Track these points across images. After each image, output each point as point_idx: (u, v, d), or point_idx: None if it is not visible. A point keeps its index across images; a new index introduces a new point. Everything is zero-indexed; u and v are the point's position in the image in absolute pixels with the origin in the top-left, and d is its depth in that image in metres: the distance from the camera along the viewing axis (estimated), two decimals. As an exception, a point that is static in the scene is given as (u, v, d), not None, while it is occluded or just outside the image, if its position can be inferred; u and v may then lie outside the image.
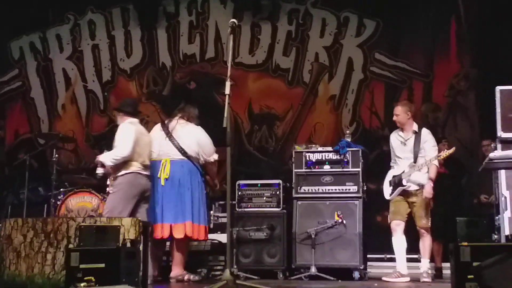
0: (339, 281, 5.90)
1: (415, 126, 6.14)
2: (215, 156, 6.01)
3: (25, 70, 9.64)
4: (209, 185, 6.18)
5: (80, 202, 6.97)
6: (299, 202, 6.38)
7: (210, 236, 6.49)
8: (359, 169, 6.34)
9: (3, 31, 9.60)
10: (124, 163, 5.63)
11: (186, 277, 5.81)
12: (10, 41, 9.69)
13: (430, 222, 5.98)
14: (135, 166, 5.64)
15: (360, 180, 6.31)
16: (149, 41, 9.31)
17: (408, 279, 5.91)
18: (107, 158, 5.75)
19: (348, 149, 6.40)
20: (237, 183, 6.59)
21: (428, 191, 5.91)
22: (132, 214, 5.48)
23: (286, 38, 8.87)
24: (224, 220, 6.83)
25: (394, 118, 6.20)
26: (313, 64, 8.74)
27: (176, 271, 5.84)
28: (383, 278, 5.97)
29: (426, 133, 6.12)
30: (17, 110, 9.61)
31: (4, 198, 8.13)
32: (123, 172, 5.63)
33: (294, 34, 8.85)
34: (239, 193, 6.54)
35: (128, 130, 5.75)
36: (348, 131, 6.82)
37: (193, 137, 5.94)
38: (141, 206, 5.66)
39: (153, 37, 9.31)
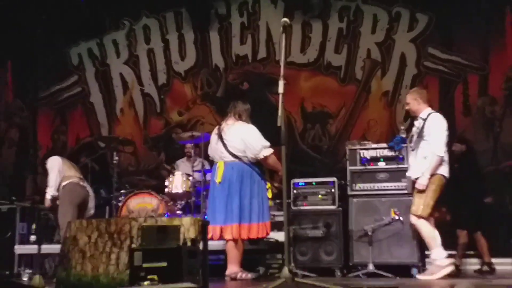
0: (398, 278, 5.88)
1: (424, 113, 5.95)
2: (266, 152, 6.00)
3: (84, 76, 9.95)
4: (274, 182, 6.21)
5: (141, 203, 7.16)
6: (355, 200, 6.39)
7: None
8: (415, 165, 6.28)
9: (62, 39, 9.92)
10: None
11: (239, 275, 5.90)
12: (69, 48, 10.00)
13: (422, 211, 5.74)
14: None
15: (416, 176, 6.26)
16: (202, 44, 9.48)
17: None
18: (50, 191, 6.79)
19: (403, 145, 6.37)
20: (292, 181, 6.65)
21: (419, 183, 5.74)
22: None
23: (337, 36, 8.88)
24: (280, 218, 6.90)
25: (406, 107, 6.13)
26: (365, 60, 8.72)
27: (231, 269, 5.94)
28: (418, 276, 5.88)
29: (431, 120, 5.84)
30: (78, 115, 9.93)
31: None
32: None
33: (345, 31, 8.84)
34: (294, 191, 6.59)
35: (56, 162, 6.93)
36: (402, 127, 6.77)
37: (238, 137, 5.99)
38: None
39: (206, 39, 9.46)
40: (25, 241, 7.47)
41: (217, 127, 6.28)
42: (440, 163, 5.78)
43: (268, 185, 6.16)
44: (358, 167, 6.45)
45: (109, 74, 9.85)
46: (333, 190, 6.51)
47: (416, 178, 5.83)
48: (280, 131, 4.44)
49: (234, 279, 5.86)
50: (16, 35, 9.69)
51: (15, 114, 10.08)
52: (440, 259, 5.74)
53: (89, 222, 4.96)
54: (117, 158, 7.69)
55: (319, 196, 6.53)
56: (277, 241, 6.70)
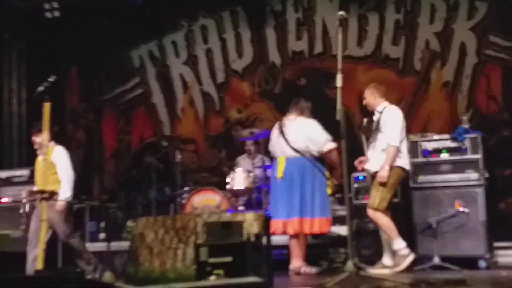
0: (464, 270, 5.80)
1: (380, 107, 5.94)
2: (329, 145, 6.05)
3: (146, 77, 10.19)
4: (334, 179, 6.24)
5: (204, 200, 7.31)
6: (417, 192, 6.34)
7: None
8: (479, 156, 6.19)
9: (123, 42, 10.20)
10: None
11: (303, 270, 5.94)
12: (130, 50, 10.26)
13: (379, 204, 5.75)
14: None
15: (481, 166, 6.16)
16: (258, 41, 9.55)
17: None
18: (67, 192, 6.39)
19: (466, 135, 6.27)
20: (353, 175, 6.64)
21: (379, 176, 5.73)
22: None
23: (394, 27, 8.78)
24: (342, 213, 6.91)
25: (364, 102, 6.13)
26: (424, 51, 8.59)
27: (295, 263, 5.99)
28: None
29: (386, 112, 5.90)
30: (141, 116, 10.18)
31: (134, 199, 8.68)
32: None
33: (402, 22, 8.73)
34: (355, 185, 6.59)
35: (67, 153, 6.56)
36: (465, 117, 6.67)
37: (300, 132, 6.04)
38: None
39: (262, 36, 9.53)
40: (94, 239, 7.75)
41: (278, 122, 6.35)
42: (397, 155, 5.74)
43: (329, 182, 6.19)
44: (420, 160, 6.39)
45: (170, 75, 10.05)
46: (395, 184, 6.44)
47: (376, 172, 5.81)
48: (339, 125, 4.47)
49: (298, 273, 5.91)
50: (79, 40, 10.02)
51: (81, 116, 10.43)
52: (402, 249, 5.72)
53: (155, 218, 5.11)
54: (179, 156, 7.86)
55: (381, 189, 6.48)
56: (339, 235, 6.72)
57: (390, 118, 5.88)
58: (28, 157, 9.72)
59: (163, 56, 10.09)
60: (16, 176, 8.06)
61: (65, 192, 6.33)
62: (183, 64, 9.99)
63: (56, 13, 9.51)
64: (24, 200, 6.63)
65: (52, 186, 6.19)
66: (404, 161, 5.86)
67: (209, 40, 9.84)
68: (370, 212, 5.85)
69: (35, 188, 6.25)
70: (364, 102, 6.18)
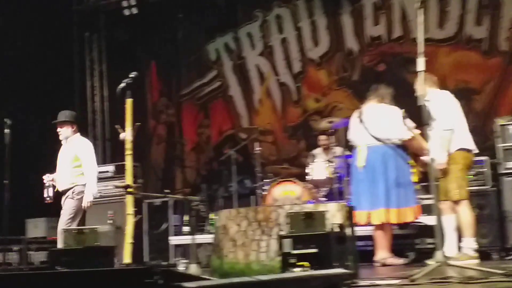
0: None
1: (430, 95, 5.52)
2: (410, 133, 5.87)
3: (223, 70, 10.25)
4: (418, 165, 6.05)
5: (284, 191, 7.26)
6: (508, 179, 6.05)
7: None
8: None
9: (199, 35, 10.31)
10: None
11: (389, 261, 5.80)
12: (207, 44, 10.35)
13: (460, 194, 5.41)
14: None
15: None
16: (335, 28, 9.40)
17: None
18: (93, 186, 6.34)
19: (560, 117, 5.93)
20: (438, 162, 6.40)
21: (437, 163, 5.31)
22: None
23: (477, 7, 8.41)
24: (428, 202, 6.69)
25: (416, 94, 5.80)
26: (510, 31, 8.18)
27: (381, 254, 5.86)
28: None
29: (434, 99, 5.48)
30: (219, 109, 10.26)
31: (215, 192, 8.77)
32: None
33: (485, 1, 8.35)
34: (441, 172, 6.35)
35: (91, 146, 6.55)
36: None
37: (382, 119, 5.89)
38: None
39: (339, 23, 9.37)
40: (178, 232, 7.88)
41: (357, 110, 6.21)
42: (452, 138, 5.42)
43: (413, 170, 6.00)
44: (510, 144, 6.09)
45: (246, 67, 10.07)
46: (484, 170, 6.19)
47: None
48: (422, 110, 4.30)
49: (384, 264, 5.78)
50: (157, 36, 10.20)
51: (161, 112, 10.63)
52: (472, 248, 5.40)
53: (238, 211, 5.13)
54: (258, 148, 7.86)
55: (470, 176, 6.24)
56: (426, 225, 6.51)
57: (437, 103, 5.60)
58: (112, 153, 10.02)
59: (239, 48, 10.12)
60: (101, 172, 8.31)
61: (92, 187, 6.37)
62: (259, 55, 9.97)
63: (134, 10, 9.72)
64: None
65: (74, 179, 6.34)
66: (466, 142, 5.56)
67: (284, 29, 9.77)
68: (448, 206, 5.53)
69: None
70: (416, 94, 5.99)
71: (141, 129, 6.05)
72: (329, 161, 7.44)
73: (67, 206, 6.36)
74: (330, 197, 7.40)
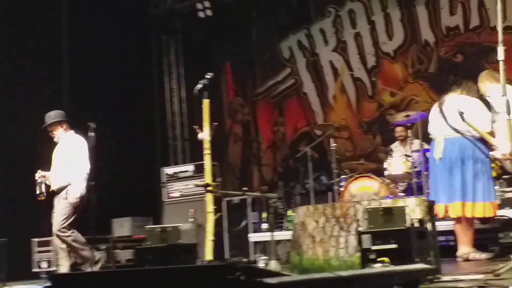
0: None
1: (489, 92, 5.64)
2: (490, 127, 5.72)
3: (296, 67, 10.29)
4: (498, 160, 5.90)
5: (362, 187, 7.22)
6: None
7: (498, 212, 6.22)
8: None
9: (272, 34, 10.39)
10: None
11: (472, 256, 5.67)
12: (280, 42, 10.42)
13: None
14: None
15: None
16: (409, 20, 9.24)
17: None
18: (81, 184, 6.25)
19: None
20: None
21: (501, 153, 5.39)
22: None
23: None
24: (511, 195, 6.50)
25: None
26: None
27: (463, 249, 5.73)
28: None
29: (492, 93, 5.57)
30: (293, 106, 10.31)
31: (292, 189, 8.82)
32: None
33: None
34: (525, 165, 6.14)
35: (84, 143, 6.40)
36: None
37: (463, 110, 5.75)
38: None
39: (413, 15, 9.21)
40: (257, 229, 7.99)
41: (437, 102, 6.12)
42: None
43: (493, 165, 5.85)
44: None
45: (319, 63, 10.06)
46: None
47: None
48: (505, 101, 4.20)
49: (466, 259, 5.66)
50: (231, 37, 10.36)
51: (237, 111, 10.79)
52: None
53: (315, 207, 5.15)
54: (334, 144, 7.85)
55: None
56: (510, 218, 6.32)
57: (493, 95, 5.57)
58: (191, 153, 10.27)
59: (312, 45, 10.12)
60: (181, 172, 8.55)
61: (80, 185, 6.33)
62: (332, 51, 9.94)
63: (209, 12, 9.91)
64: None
65: (67, 178, 6.33)
66: None
67: (357, 24, 9.70)
68: None
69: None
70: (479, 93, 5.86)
71: (218, 129, 6.17)
72: (407, 155, 7.34)
73: (61, 207, 6.33)
74: (408, 192, 7.31)
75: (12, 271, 6.63)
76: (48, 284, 3.51)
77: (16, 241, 7.51)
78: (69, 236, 6.27)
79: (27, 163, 9.20)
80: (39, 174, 6.36)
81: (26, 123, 9.49)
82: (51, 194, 6.45)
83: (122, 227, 8.91)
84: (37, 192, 6.33)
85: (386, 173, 7.35)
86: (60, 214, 6.30)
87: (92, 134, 6.98)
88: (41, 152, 9.29)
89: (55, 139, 6.55)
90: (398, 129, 8.02)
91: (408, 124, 7.45)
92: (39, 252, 8.12)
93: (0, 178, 8.77)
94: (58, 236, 6.29)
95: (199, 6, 9.95)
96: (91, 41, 9.50)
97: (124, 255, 8.18)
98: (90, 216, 6.94)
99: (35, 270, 8.10)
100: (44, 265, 7.99)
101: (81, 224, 8.04)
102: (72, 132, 6.58)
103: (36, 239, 8.20)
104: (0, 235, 6.52)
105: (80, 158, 6.38)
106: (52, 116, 6.54)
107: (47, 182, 6.42)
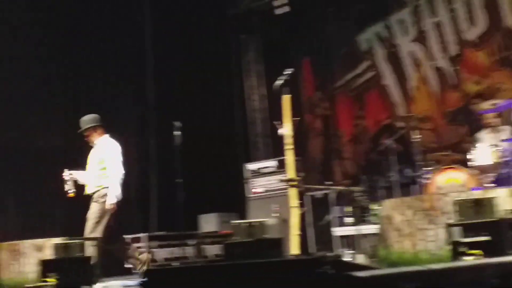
0: None
1: None
2: None
3: (375, 59, 10.17)
4: None
5: (448, 179, 7.06)
6: None
7: None
8: None
9: (349, 27, 10.32)
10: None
11: None
12: (358, 35, 10.32)
13: None
14: None
15: None
16: (492, 6, 8.93)
17: None
18: (116, 188, 6.24)
19: None
20: None
21: None
22: None
23: None
24: None
25: None
26: None
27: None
28: None
29: None
30: (374, 99, 10.18)
31: (375, 182, 8.73)
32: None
33: None
34: None
35: (118, 148, 6.37)
36: None
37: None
38: None
39: (496, 0, 8.90)
40: (342, 223, 7.96)
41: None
42: None
43: None
44: None
45: (399, 54, 9.89)
46: None
47: None
48: None
49: None
50: (309, 32, 10.37)
51: (317, 105, 10.79)
52: None
53: (402, 200, 5.11)
54: (417, 136, 7.71)
55: None
56: None
57: None
58: (273, 149, 10.36)
59: (391, 36, 9.96)
60: (264, 167, 8.64)
61: (116, 190, 6.31)
62: (412, 41, 9.75)
63: (285, 9, 9.95)
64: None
65: (100, 181, 6.35)
66: None
67: (437, 12, 9.46)
68: None
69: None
70: None
71: (299, 124, 6.20)
72: (495, 145, 7.11)
73: (92, 210, 6.37)
74: (498, 182, 7.07)
75: (105, 268, 6.90)
76: (143, 279, 3.67)
77: (110, 238, 7.82)
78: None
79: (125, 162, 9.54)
80: (66, 172, 6.42)
81: (112, 125, 9.86)
82: (86, 196, 6.52)
83: (208, 223, 9.11)
84: (66, 189, 6.40)
85: (472, 163, 7.15)
86: (92, 218, 6.36)
87: (177, 133, 7.20)
88: (131, 154, 9.67)
89: (91, 144, 6.61)
90: (488, 115, 7.76)
91: (493, 114, 7.22)
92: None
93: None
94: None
95: (276, 3, 10.01)
96: (173, 42, 9.78)
97: (212, 250, 8.35)
98: (178, 213, 7.15)
99: (128, 266, 8.41)
100: (136, 261, 8.28)
101: (168, 221, 8.33)
102: (106, 136, 6.61)
103: (129, 236, 8.51)
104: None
105: (114, 162, 6.39)
106: (86, 121, 6.57)
107: (76, 180, 6.48)
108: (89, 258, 5.44)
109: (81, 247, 5.40)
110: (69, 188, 6.34)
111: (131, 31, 9.88)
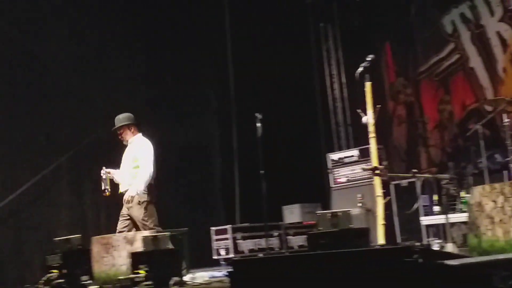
0: None
1: None
2: None
3: (460, 42, 9.81)
4: None
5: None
6: None
7: None
8: None
9: (432, 10, 10.01)
10: None
11: None
12: (441, 17, 9.99)
13: None
14: None
15: None
16: None
17: None
18: (140, 183, 6.13)
19: None
20: None
21: None
22: None
23: None
24: None
25: None
26: None
27: None
28: None
29: None
30: (460, 83, 9.83)
31: (463, 169, 8.45)
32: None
33: None
34: None
35: (151, 147, 6.26)
36: None
37: None
38: None
39: None
40: (429, 212, 7.77)
41: None
42: None
43: None
44: None
45: (486, 35, 9.50)
46: None
47: None
48: None
49: None
50: (389, 16, 10.14)
51: (399, 92, 10.55)
52: None
53: (492, 187, 4.91)
54: (507, 120, 7.39)
55: None
56: None
57: None
58: (355, 138, 10.24)
59: (476, 17, 9.58)
60: (347, 157, 8.56)
61: (139, 187, 6.25)
62: (499, 21, 9.33)
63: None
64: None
65: (133, 180, 6.29)
66: None
67: (525, -11, 9.02)
68: None
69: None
70: None
71: (381, 111, 6.09)
72: None
73: (138, 213, 6.32)
74: None
75: (194, 259, 7.05)
76: (230, 269, 3.72)
77: (196, 230, 7.99)
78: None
79: (202, 157, 9.77)
80: (104, 171, 6.46)
81: (197, 119, 10.06)
82: (120, 195, 6.54)
83: (292, 214, 9.13)
84: (102, 187, 6.43)
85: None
86: (141, 220, 6.33)
87: (259, 124, 7.23)
88: (214, 147, 9.82)
89: (124, 143, 6.62)
90: None
91: None
92: (217, 240, 8.57)
93: (180, 173, 9.40)
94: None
95: (355, -11, 9.88)
96: (252, 33, 9.84)
97: (296, 241, 8.37)
98: (261, 205, 7.19)
99: (215, 257, 8.58)
100: (222, 252, 8.43)
101: (251, 213, 8.40)
102: (140, 135, 6.61)
103: (214, 228, 8.67)
104: (181, 225, 6.95)
105: (145, 161, 6.37)
106: (121, 119, 6.57)
107: (112, 178, 6.53)
108: (178, 250, 5.58)
109: (169, 240, 5.52)
110: (106, 187, 6.40)
111: (210, 24, 10.03)
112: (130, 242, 5.99)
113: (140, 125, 6.69)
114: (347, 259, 3.39)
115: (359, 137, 9.03)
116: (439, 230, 7.42)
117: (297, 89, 10.19)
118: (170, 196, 9.10)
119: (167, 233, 5.59)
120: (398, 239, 8.07)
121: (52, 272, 5.71)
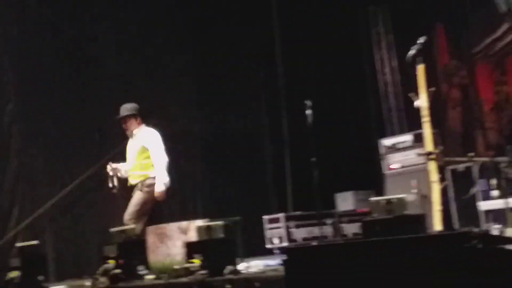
0: None
1: None
2: None
3: (516, 21, 9.50)
4: None
5: None
6: None
7: None
8: None
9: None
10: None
11: None
12: (494, -3, 9.69)
13: None
14: None
15: None
16: None
17: None
18: (163, 176, 6.20)
19: None
20: None
21: None
22: None
23: None
24: None
25: None
26: None
27: None
28: None
29: None
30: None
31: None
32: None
33: None
34: None
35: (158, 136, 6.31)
36: None
37: None
38: None
39: None
40: (487, 197, 7.55)
41: None
42: None
43: None
44: None
45: (543, 12, 9.15)
46: None
47: None
48: None
49: None
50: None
51: (453, 74, 10.27)
52: None
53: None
54: None
55: None
56: None
57: None
58: (408, 123, 10.04)
59: (531, -6, 9.24)
60: (400, 142, 8.39)
61: (163, 178, 6.24)
62: (557, -2, 8.97)
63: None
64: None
65: (145, 171, 6.29)
66: None
67: None
68: None
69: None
70: None
71: (435, 95, 5.95)
72: None
73: (135, 197, 6.37)
74: None
75: (247, 248, 7.07)
76: (285, 257, 3.69)
77: (249, 219, 8.01)
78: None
79: (251, 146, 9.77)
80: (110, 167, 6.44)
81: (247, 107, 10.06)
82: (129, 188, 6.54)
83: (345, 201, 9.03)
84: (110, 185, 6.42)
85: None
86: (133, 205, 6.42)
87: (309, 111, 7.17)
88: (264, 135, 9.81)
89: (127, 133, 6.56)
90: None
91: None
92: (270, 228, 8.56)
93: (231, 162, 9.44)
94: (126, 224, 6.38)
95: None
96: (300, 19, 9.77)
97: (350, 228, 8.28)
98: (313, 192, 7.14)
99: (268, 246, 8.57)
100: (276, 240, 8.42)
101: (304, 201, 8.36)
102: (144, 125, 6.57)
103: (267, 216, 8.65)
104: (235, 214, 6.97)
105: (157, 151, 6.36)
106: (127, 108, 6.53)
107: (119, 175, 6.50)
108: (232, 239, 5.60)
109: (222, 229, 5.54)
110: (113, 185, 6.39)
111: (258, 12, 9.99)
112: (184, 231, 6.05)
113: (145, 117, 6.70)
114: (403, 246, 3.33)
115: (412, 122, 8.83)
116: (498, 215, 7.21)
117: (347, 75, 10.05)
118: (222, 185, 9.15)
119: (220, 223, 5.61)
120: (456, 226, 7.88)
121: (109, 263, 5.80)
